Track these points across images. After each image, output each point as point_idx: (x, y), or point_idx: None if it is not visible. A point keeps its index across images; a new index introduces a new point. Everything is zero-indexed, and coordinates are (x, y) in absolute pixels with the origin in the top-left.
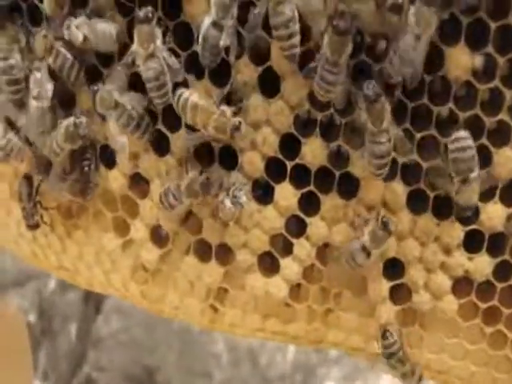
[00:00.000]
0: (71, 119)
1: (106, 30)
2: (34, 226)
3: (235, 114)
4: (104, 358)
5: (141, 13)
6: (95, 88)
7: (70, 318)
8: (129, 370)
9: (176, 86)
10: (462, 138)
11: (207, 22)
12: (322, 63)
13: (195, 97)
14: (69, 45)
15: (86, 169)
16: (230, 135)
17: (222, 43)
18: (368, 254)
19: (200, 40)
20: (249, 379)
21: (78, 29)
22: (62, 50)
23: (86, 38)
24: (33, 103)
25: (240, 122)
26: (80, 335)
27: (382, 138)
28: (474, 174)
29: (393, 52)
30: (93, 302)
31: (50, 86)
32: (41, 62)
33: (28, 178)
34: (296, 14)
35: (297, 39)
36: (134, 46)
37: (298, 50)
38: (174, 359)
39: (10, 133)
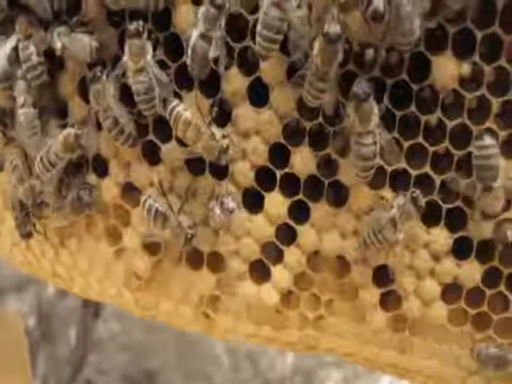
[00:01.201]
0: (72, 130)
1: (83, 42)
2: (26, 235)
3: (224, 136)
4: (104, 362)
5: (132, 27)
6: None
7: (70, 322)
8: (129, 373)
9: None
10: (487, 146)
11: (195, 34)
12: (312, 71)
13: (189, 113)
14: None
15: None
16: (217, 157)
17: (210, 55)
18: (395, 228)
19: (189, 52)
20: (249, 382)
21: (59, 37)
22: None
23: (64, 47)
24: (19, 111)
25: (228, 146)
26: (80, 339)
27: (368, 140)
28: (497, 183)
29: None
30: (92, 305)
31: (34, 92)
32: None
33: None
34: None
35: (275, 47)
36: (125, 59)
37: (273, 54)
38: (173, 362)
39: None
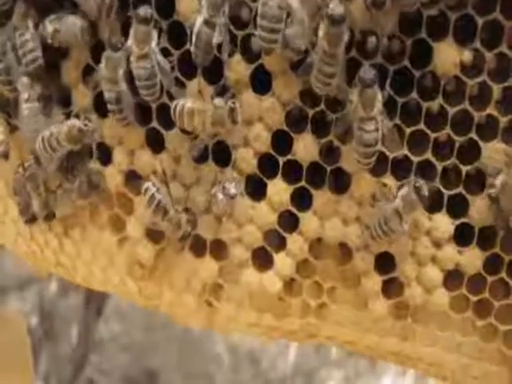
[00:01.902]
0: (77, 122)
1: (74, 22)
2: (30, 220)
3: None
4: (105, 361)
5: (141, 12)
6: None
7: (72, 321)
8: (130, 372)
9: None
10: None
11: (199, 20)
12: (320, 56)
13: (190, 102)
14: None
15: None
16: (230, 120)
17: (214, 41)
18: (401, 219)
19: (193, 38)
20: (250, 382)
21: (51, 23)
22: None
23: (56, 30)
24: (23, 106)
25: (234, 103)
26: (81, 338)
27: (370, 126)
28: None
29: None
30: (94, 305)
31: (37, 87)
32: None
33: (22, 173)
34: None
35: (276, 37)
36: (129, 43)
37: (274, 46)
38: (175, 362)
39: None
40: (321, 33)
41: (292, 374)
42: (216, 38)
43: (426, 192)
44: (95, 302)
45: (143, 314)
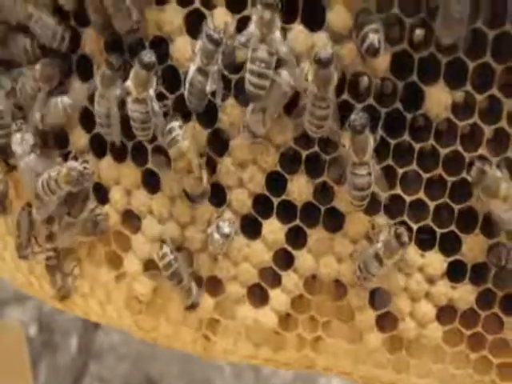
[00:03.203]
0: (76, 165)
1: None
2: (24, 257)
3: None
4: (105, 371)
5: (145, 58)
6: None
7: (71, 331)
8: (130, 381)
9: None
10: None
11: (192, 68)
12: (311, 100)
13: (186, 144)
14: None
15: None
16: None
17: (208, 89)
18: (381, 263)
19: (186, 86)
20: None
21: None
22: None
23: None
24: (21, 164)
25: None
26: (81, 348)
27: (362, 171)
28: None
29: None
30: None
31: (29, 137)
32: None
33: (28, 210)
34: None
35: (265, 83)
36: (128, 84)
37: (262, 93)
38: (175, 370)
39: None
40: (310, 76)
41: (293, 381)
42: (209, 86)
43: (406, 239)
44: None
45: None
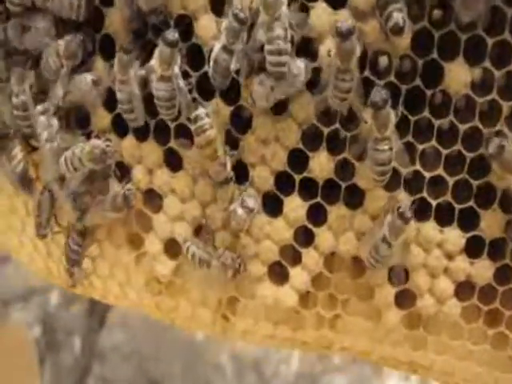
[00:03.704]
0: (100, 143)
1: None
2: (43, 236)
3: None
4: (108, 371)
5: (169, 35)
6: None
7: (74, 332)
8: (134, 382)
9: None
10: None
11: (218, 46)
12: (334, 74)
13: (213, 132)
14: None
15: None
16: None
17: (232, 67)
18: (389, 245)
19: (211, 63)
20: None
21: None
22: None
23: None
24: (46, 146)
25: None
26: (84, 348)
27: (384, 146)
28: None
29: None
30: (97, 315)
31: (55, 122)
32: (43, 104)
33: (49, 189)
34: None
35: (285, 58)
36: (152, 63)
37: (285, 70)
38: (178, 371)
39: None
40: (333, 50)
41: (295, 381)
42: (234, 65)
43: (409, 214)
44: (98, 312)
45: (146, 323)
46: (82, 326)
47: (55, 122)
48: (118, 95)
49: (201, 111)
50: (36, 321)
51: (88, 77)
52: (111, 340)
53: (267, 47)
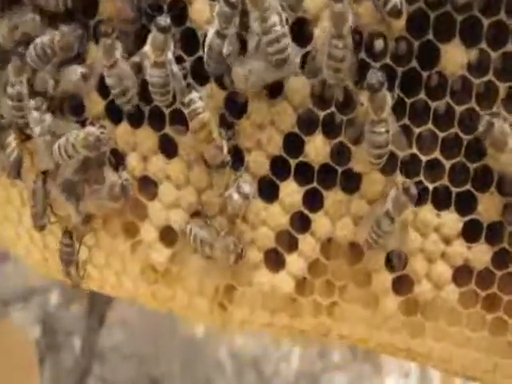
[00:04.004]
0: (94, 130)
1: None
2: (40, 227)
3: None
4: (108, 371)
5: (161, 21)
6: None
7: (74, 332)
8: (133, 381)
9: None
10: None
11: (211, 31)
12: (328, 41)
13: (207, 115)
14: None
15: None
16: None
17: (224, 51)
18: (392, 220)
19: (205, 49)
20: None
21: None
22: None
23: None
24: (39, 141)
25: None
26: (84, 349)
27: (381, 128)
28: None
29: None
30: (96, 315)
31: (47, 117)
32: (36, 99)
33: (43, 178)
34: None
35: (285, 42)
36: (146, 49)
37: (286, 54)
38: (178, 370)
39: None
40: (326, 19)
41: (295, 379)
42: (226, 49)
43: (414, 191)
44: (97, 312)
45: (146, 323)
46: (82, 327)
47: (48, 117)
48: (108, 81)
49: (194, 95)
50: (36, 321)
51: (78, 69)
52: (111, 340)
53: (264, 38)
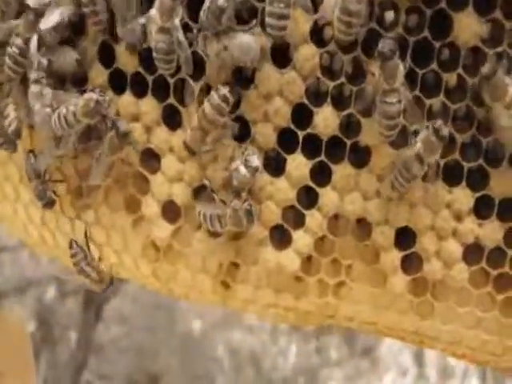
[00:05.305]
0: (93, 95)
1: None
2: (49, 204)
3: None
4: (105, 365)
5: None
6: None
7: (70, 326)
8: (131, 376)
9: None
10: None
11: None
12: None
13: (207, 107)
14: None
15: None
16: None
17: (220, 2)
18: (422, 163)
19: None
20: (252, 383)
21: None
22: None
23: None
24: (36, 117)
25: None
26: (80, 342)
27: (393, 98)
28: None
29: None
30: (93, 308)
31: (47, 91)
32: (36, 71)
33: (33, 155)
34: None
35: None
36: (153, 12)
37: (284, 34)
38: (176, 364)
39: None
40: None
41: (293, 375)
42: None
43: (445, 132)
44: (94, 305)
45: (143, 317)
46: (78, 320)
47: (48, 90)
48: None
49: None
50: (32, 315)
51: (73, 55)
52: (107, 334)
53: (268, 8)
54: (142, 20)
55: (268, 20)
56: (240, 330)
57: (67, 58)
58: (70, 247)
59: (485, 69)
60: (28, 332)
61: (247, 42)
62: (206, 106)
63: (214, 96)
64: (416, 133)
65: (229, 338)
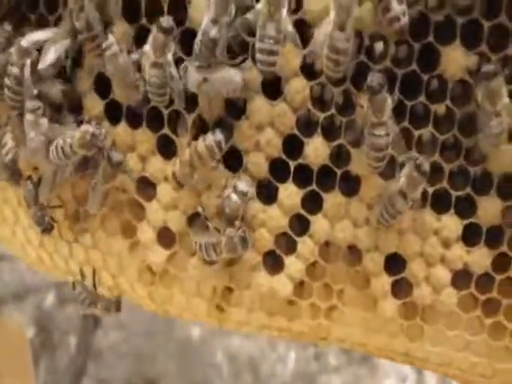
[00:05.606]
0: (89, 128)
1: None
2: (48, 230)
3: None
4: (104, 371)
5: (163, 22)
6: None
7: (70, 331)
8: (129, 380)
9: None
10: None
11: (206, 18)
12: (331, 32)
13: (201, 146)
14: None
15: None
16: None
17: (212, 33)
18: (405, 198)
19: (199, 36)
20: None
21: None
22: None
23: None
24: (31, 144)
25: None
26: (79, 348)
27: (381, 131)
28: None
29: None
30: (91, 316)
31: (43, 121)
32: (31, 100)
33: (30, 181)
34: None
35: (275, 59)
36: (147, 48)
37: (274, 69)
38: (174, 370)
39: None
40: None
41: (292, 381)
42: (214, 32)
43: (427, 168)
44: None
45: (142, 322)
46: (78, 326)
47: (44, 121)
48: (77, 25)
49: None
50: (31, 321)
51: (58, 86)
52: (107, 340)
53: (258, 45)
54: (135, 55)
55: (258, 56)
56: (238, 336)
57: (53, 89)
58: (73, 289)
59: (488, 67)
60: (27, 337)
61: (229, 76)
62: (200, 144)
63: (209, 137)
64: (402, 165)
65: (227, 343)
